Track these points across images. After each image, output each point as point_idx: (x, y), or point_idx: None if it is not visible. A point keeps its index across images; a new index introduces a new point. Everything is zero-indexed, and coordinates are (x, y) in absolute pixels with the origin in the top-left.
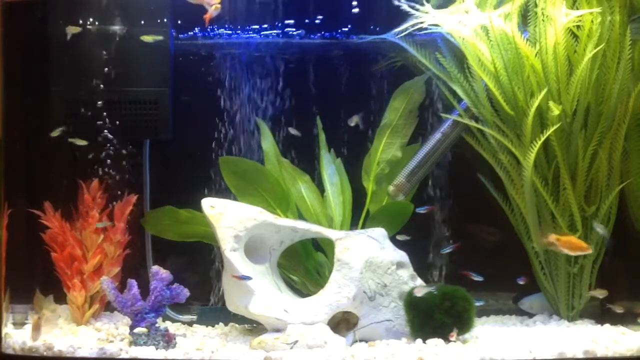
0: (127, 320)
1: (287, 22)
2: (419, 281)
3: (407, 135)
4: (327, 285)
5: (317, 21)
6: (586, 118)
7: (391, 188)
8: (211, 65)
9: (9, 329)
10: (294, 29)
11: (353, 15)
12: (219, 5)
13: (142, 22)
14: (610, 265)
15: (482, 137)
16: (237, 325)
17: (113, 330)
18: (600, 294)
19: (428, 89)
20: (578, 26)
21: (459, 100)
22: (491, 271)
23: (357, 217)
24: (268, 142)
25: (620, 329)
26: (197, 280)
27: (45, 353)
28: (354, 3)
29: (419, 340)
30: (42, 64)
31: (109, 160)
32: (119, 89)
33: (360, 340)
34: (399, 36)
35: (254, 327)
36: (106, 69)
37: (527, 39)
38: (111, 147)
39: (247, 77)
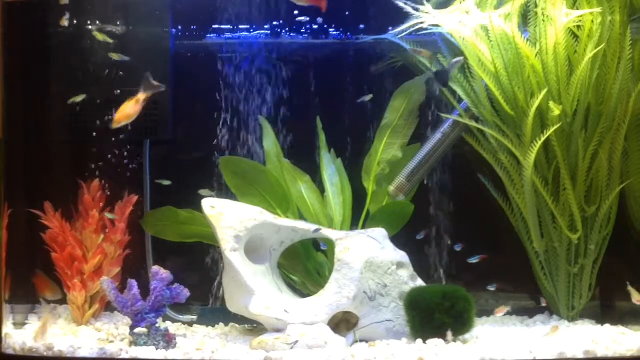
0: (127, 320)
1: (287, 22)
2: (419, 281)
3: (407, 135)
4: (327, 285)
5: (318, 21)
6: (586, 118)
7: (391, 188)
8: (211, 65)
9: (9, 329)
10: (295, 29)
11: (354, 15)
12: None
13: (143, 21)
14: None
15: (482, 137)
16: (237, 325)
17: (113, 330)
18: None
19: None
20: (578, 26)
21: (459, 100)
22: (491, 271)
23: (357, 217)
24: (270, 142)
25: (620, 329)
26: (197, 280)
27: (45, 353)
28: (355, 3)
29: (419, 340)
30: (42, 64)
31: (108, 160)
32: (118, 89)
33: (361, 340)
34: (398, 36)
35: (254, 327)
36: (106, 68)
37: (527, 39)
38: (111, 147)
39: (247, 77)
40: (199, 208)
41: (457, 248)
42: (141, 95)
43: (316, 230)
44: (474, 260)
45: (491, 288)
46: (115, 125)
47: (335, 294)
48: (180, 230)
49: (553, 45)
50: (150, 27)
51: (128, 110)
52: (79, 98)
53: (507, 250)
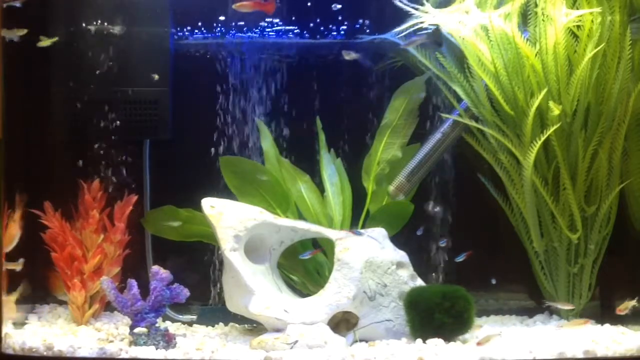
0: (127, 320)
1: (287, 22)
2: (419, 281)
3: (407, 135)
4: (327, 285)
5: (317, 21)
6: (586, 118)
7: (391, 188)
8: (211, 65)
9: (9, 328)
10: (294, 29)
11: (354, 15)
12: None
13: (143, 21)
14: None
15: (482, 137)
16: (237, 325)
17: (113, 330)
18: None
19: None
20: (578, 26)
21: (459, 100)
22: (491, 271)
23: (357, 217)
24: (268, 143)
25: (620, 329)
26: (197, 280)
27: (45, 353)
28: (354, 3)
29: (419, 340)
30: (43, 64)
31: (109, 160)
32: (118, 89)
33: (361, 340)
34: (399, 36)
35: (254, 327)
36: (106, 68)
37: (527, 39)
38: (111, 147)
39: (247, 77)
40: (199, 207)
41: (442, 244)
42: (14, 214)
43: (358, 232)
44: (460, 259)
45: (493, 282)
46: (7, 249)
47: (335, 294)
48: (180, 229)
49: (553, 45)
50: (150, 27)
51: (12, 232)
52: (156, 76)
53: (507, 250)
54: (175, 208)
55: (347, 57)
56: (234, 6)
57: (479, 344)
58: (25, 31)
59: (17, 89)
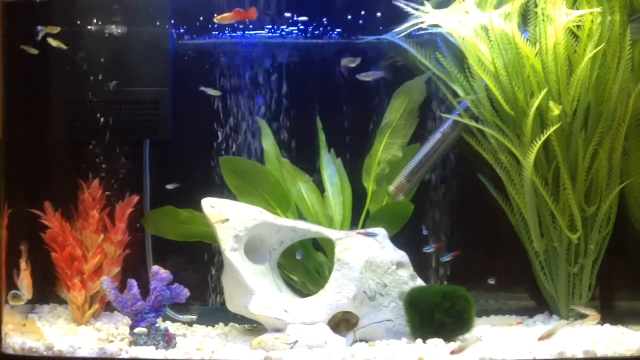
0: (127, 320)
1: (286, 21)
2: (419, 281)
3: (407, 135)
4: (327, 285)
5: (317, 21)
6: (586, 118)
7: (391, 188)
8: (211, 65)
9: (9, 328)
10: (294, 29)
11: (353, 15)
12: None
13: (142, 22)
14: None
15: (482, 137)
16: (237, 325)
17: (113, 330)
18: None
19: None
20: (578, 26)
21: (459, 100)
22: (491, 271)
23: (357, 217)
24: (268, 142)
25: (620, 329)
26: (197, 280)
27: (45, 353)
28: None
29: (419, 340)
30: (43, 64)
31: (108, 160)
32: (118, 89)
33: (361, 340)
34: (398, 36)
35: (254, 327)
36: (106, 69)
37: (527, 39)
38: (111, 147)
39: (246, 76)
40: (199, 208)
41: (424, 232)
42: (22, 262)
43: (371, 233)
44: (447, 258)
45: (491, 282)
46: (29, 295)
47: (335, 294)
48: (181, 229)
49: (553, 45)
50: (150, 27)
51: (27, 280)
52: (214, 92)
53: (507, 250)
54: (174, 208)
55: (351, 65)
56: (215, 19)
57: (452, 352)
58: (58, 29)
59: (17, 89)
